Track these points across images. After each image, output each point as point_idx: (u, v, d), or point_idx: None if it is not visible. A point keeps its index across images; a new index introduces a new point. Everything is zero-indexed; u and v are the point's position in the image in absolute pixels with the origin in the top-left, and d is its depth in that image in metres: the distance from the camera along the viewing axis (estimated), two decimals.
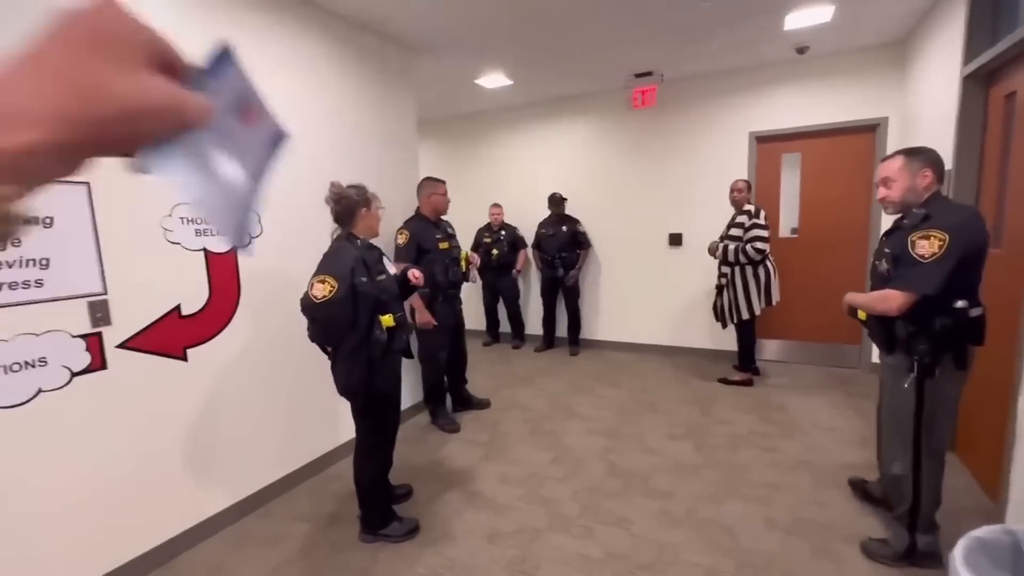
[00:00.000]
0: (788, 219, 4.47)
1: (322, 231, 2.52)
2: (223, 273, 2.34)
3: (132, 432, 2.01)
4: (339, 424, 2.93)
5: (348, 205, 2.09)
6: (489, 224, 5.35)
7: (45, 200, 1.76)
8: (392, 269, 2.27)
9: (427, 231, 3.19)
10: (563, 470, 2.79)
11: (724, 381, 4.02)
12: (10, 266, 1.69)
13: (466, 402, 3.68)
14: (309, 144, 2.78)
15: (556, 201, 5.00)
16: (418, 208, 3.30)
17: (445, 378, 3.52)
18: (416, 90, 3.66)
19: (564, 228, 4.95)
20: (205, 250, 2.27)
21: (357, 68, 3.09)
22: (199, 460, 2.24)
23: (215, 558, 2.16)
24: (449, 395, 3.62)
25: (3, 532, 1.67)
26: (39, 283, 1.76)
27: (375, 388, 2.09)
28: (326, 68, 2.88)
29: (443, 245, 3.24)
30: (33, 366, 1.75)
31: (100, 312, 1.92)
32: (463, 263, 3.34)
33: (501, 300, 5.48)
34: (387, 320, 2.06)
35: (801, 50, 3.72)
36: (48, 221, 1.78)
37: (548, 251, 5.00)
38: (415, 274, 2.31)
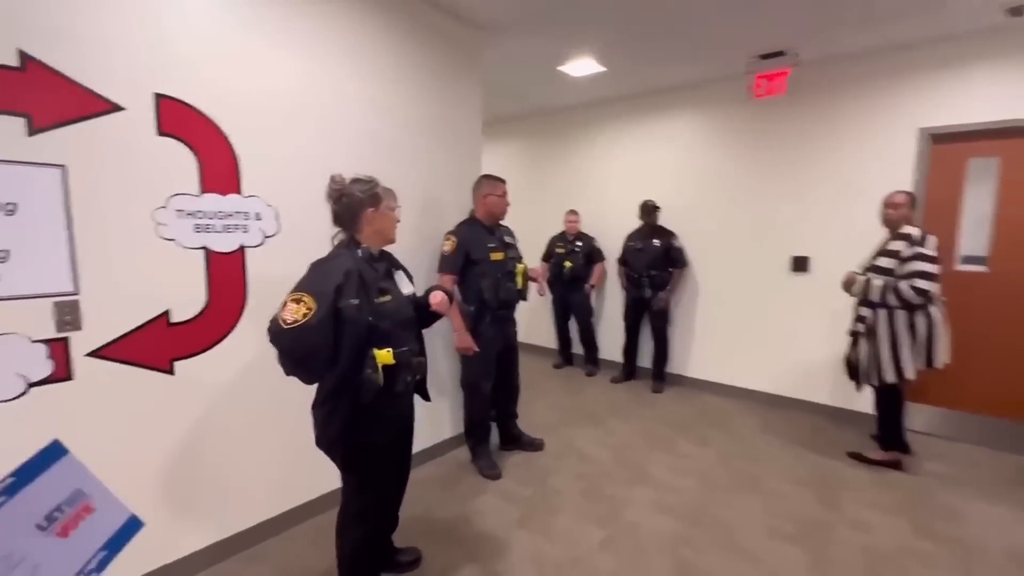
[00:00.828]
0: (970, 245, 3.31)
1: None
2: (226, 277, 2.02)
3: (96, 453, 1.74)
4: None
5: (350, 204, 1.64)
6: (563, 233, 4.75)
7: (7, 183, 1.52)
8: (407, 288, 1.79)
9: (478, 238, 2.69)
10: (616, 560, 2.12)
11: (858, 457, 3.02)
12: None
13: (515, 440, 3.13)
14: (346, 132, 2.41)
15: (648, 210, 4.25)
16: (472, 211, 2.81)
17: (491, 411, 3.01)
18: (483, 76, 3.18)
19: (656, 242, 4.19)
20: (206, 249, 1.96)
21: (415, 49, 2.68)
22: (177, 488, 1.94)
23: None
24: (497, 430, 3.09)
25: None
26: None
27: (360, 438, 1.62)
28: (378, 47, 2.50)
29: (496, 255, 2.71)
30: None
31: (69, 315, 1.66)
32: (519, 278, 2.78)
33: (572, 317, 4.85)
34: (384, 356, 1.57)
35: (1016, 10, 2.64)
36: (11, 208, 1.54)
37: (635, 267, 4.27)
38: (436, 298, 1.81)
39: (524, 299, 2.88)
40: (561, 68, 3.81)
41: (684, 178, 4.37)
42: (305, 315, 1.45)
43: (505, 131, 5.70)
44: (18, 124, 1.53)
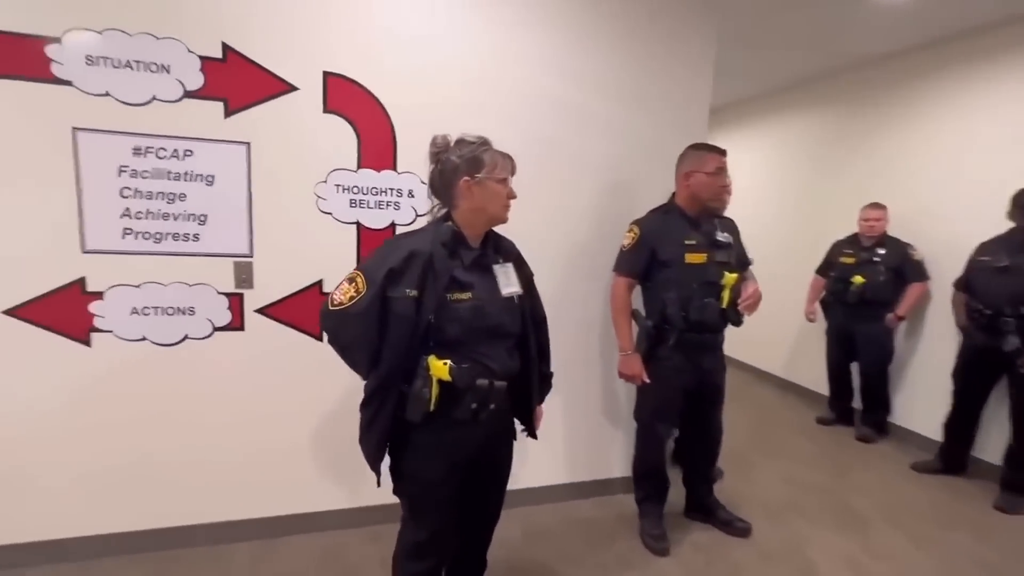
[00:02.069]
0: None
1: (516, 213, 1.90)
2: None
3: (257, 398, 1.96)
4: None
5: (443, 171, 1.32)
6: (855, 236, 3.30)
7: (211, 157, 1.80)
8: (509, 287, 1.37)
9: (672, 231, 1.99)
10: None
11: None
12: (176, 219, 1.81)
13: (707, 512, 2.29)
14: (520, 100, 2.10)
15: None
16: (673, 194, 2.11)
17: (676, 465, 2.28)
18: (735, 30, 2.35)
19: None
20: (358, 223, 1.98)
21: None
22: (322, 452, 2.05)
23: (328, 547, 1.95)
24: (687, 491, 2.34)
25: (133, 460, 1.86)
26: (196, 237, 1.83)
27: (401, 463, 1.32)
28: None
29: (695, 257, 1.96)
30: (183, 313, 1.85)
31: (244, 274, 1.89)
32: (726, 292, 1.95)
33: (857, 358, 3.37)
34: (439, 369, 1.21)
35: None
36: (210, 179, 1.82)
37: (989, 298, 2.56)
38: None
39: (734, 323, 2.02)
40: None
41: None
42: (352, 299, 1.22)
43: (772, 107, 4.40)
44: (218, 107, 1.78)
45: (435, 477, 1.30)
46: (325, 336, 1.33)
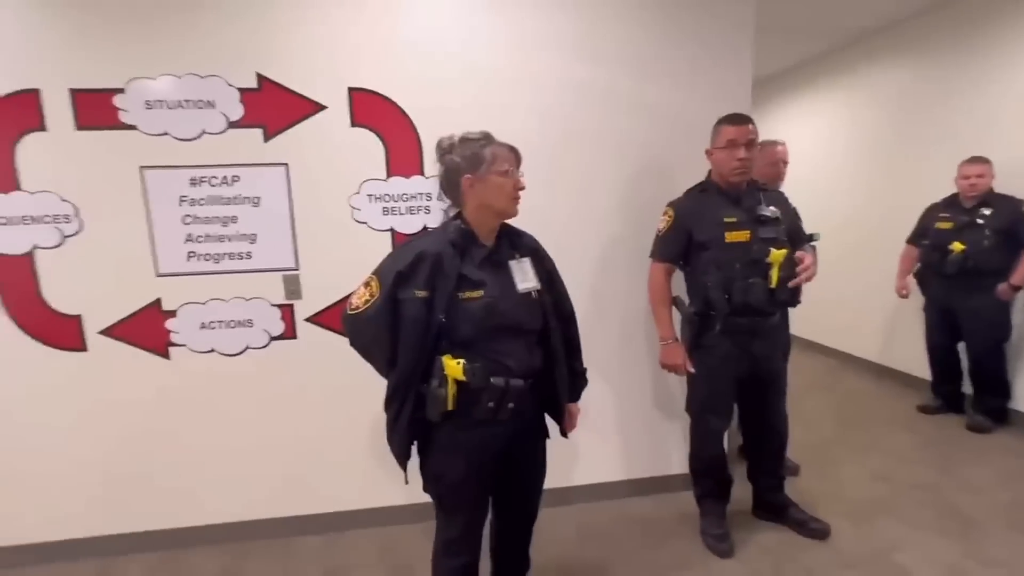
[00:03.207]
0: None
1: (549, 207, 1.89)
2: None
3: (313, 401, 2.09)
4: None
5: (448, 171, 1.33)
6: (954, 197, 2.88)
7: (255, 180, 1.95)
8: (526, 283, 1.35)
9: (710, 209, 1.85)
10: None
11: None
12: (230, 240, 1.98)
13: (777, 512, 2.10)
14: (544, 87, 2.06)
15: None
16: (709, 172, 1.97)
17: (742, 460, 2.12)
18: None
19: None
20: (392, 230, 2.05)
21: None
22: (376, 449, 2.15)
23: (386, 542, 2.06)
24: (753, 487, 2.17)
25: (211, 459, 2.06)
26: (248, 255, 1.99)
27: (426, 461, 1.34)
28: None
29: (737, 235, 1.80)
30: (243, 325, 2.03)
31: (292, 286, 2.03)
32: (774, 271, 1.78)
33: (964, 336, 2.93)
34: (453, 368, 1.22)
35: None
36: (256, 200, 1.97)
37: None
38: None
39: (787, 303, 1.84)
40: None
41: None
42: (367, 302, 1.27)
43: (839, 64, 3.94)
44: (257, 134, 1.93)
45: (458, 476, 1.31)
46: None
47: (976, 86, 3.05)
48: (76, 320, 1.92)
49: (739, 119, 1.81)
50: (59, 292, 1.91)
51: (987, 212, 2.72)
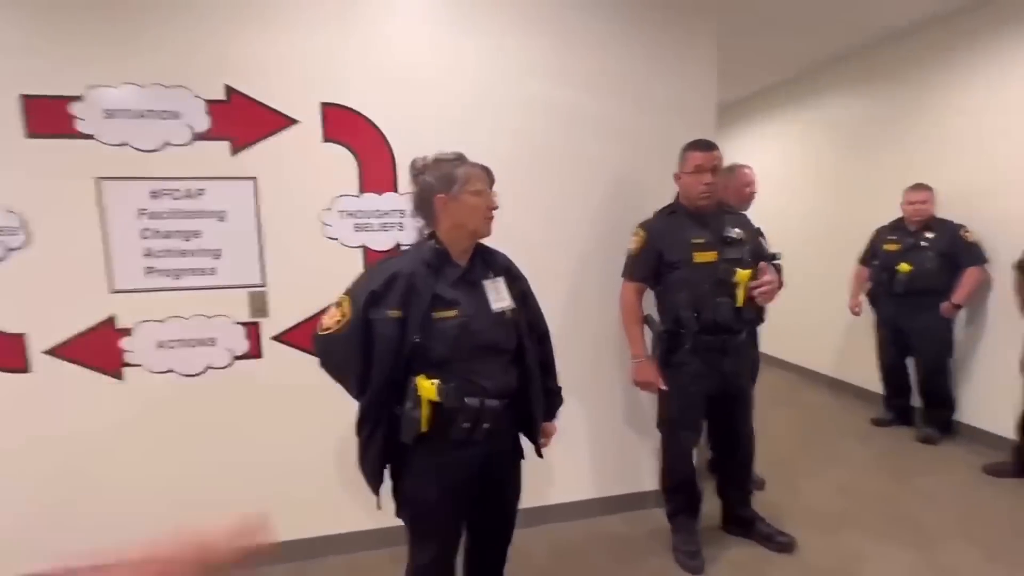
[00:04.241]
0: None
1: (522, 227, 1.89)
2: None
3: (278, 422, 2.01)
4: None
5: (421, 191, 1.33)
6: (900, 221, 3.07)
7: (223, 194, 1.89)
8: (500, 302, 1.34)
9: (679, 231, 1.91)
10: None
11: None
12: (193, 255, 1.90)
13: (744, 526, 2.14)
14: (512, 106, 2.10)
15: None
16: (677, 195, 2.03)
17: (712, 476, 2.15)
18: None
19: None
20: (364, 247, 2.02)
21: None
22: (343, 472, 2.07)
23: (355, 568, 1.97)
24: (722, 503, 2.20)
25: (169, 485, 1.94)
26: (212, 271, 1.92)
27: (399, 485, 1.31)
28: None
29: (704, 256, 1.86)
30: (204, 344, 1.94)
31: (258, 303, 1.96)
32: (740, 290, 1.85)
33: (913, 352, 3.10)
34: (427, 389, 1.20)
35: None
36: (222, 215, 1.91)
37: None
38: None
39: (752, 321, 1.91)
40: None
41: None
42: (338, 322, 1.24)
43: (796, 93, 4.20)
44: (224, 147, 1.88)
45: (433, 499, 1.28)
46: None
47: (921, 117, 3.29)
48: (20, 338, 1.80)
49: (705, 145, 1.88)
50: (1, 308, 1.78)
51: (930, 235, 2.91)
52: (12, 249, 1.76)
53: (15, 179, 1.74)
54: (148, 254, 1.86)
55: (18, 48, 1.70)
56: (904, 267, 2.93)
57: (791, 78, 4.29)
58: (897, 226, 3.08)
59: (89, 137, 1.77)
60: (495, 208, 1.34)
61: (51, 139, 1.75)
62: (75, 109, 1.75)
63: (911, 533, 2.16)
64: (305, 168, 1.94)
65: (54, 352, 1.82)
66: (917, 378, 3.13)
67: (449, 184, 1.28)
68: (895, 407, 3.30)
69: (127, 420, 1.89)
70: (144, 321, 1.88)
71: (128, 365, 1.88)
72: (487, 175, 1.33)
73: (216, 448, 1.97)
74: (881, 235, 3.15)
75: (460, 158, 1.32)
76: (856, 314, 3.32)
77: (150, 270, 1.87)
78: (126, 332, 1.87)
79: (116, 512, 1.91)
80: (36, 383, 1.82)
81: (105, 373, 1.87)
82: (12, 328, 1.79)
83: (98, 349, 1.85)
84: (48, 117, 1.73)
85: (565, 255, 2.22)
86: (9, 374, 1.80)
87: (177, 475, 1.94)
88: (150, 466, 1.92)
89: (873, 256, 3.19)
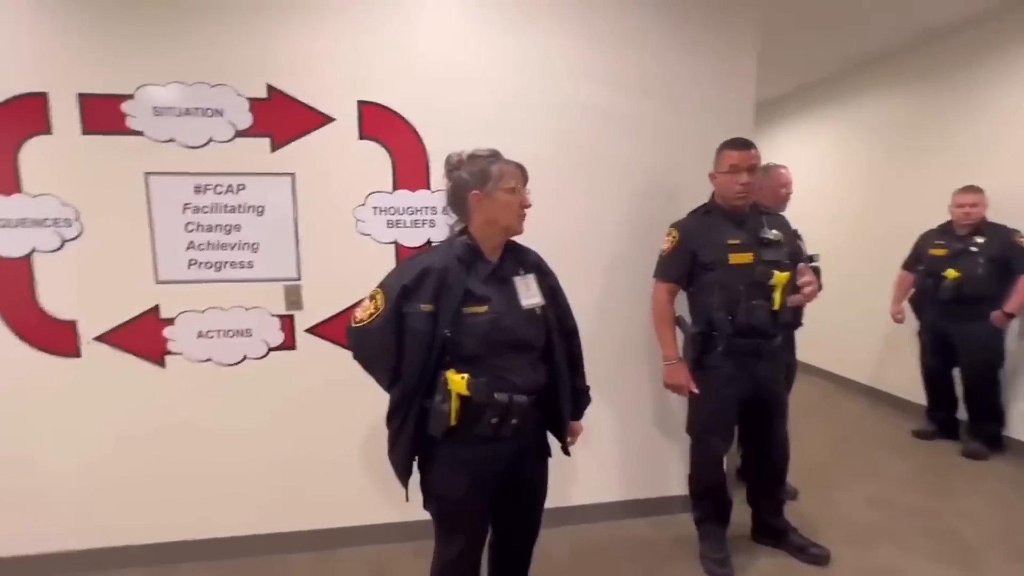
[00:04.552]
0: None
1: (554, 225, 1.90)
2: None
3: (310, 413, 2.06)
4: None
5: (455, 187, 1.34)
6: (948, 225, 2.93)
7: (260, 189, 1.95)
8: (531, 299, 1.34)
9: (714, 231, 1.87)
10: None
11: None
12: (232, 248, 1.96)
13: (776, 536, 2.08)
14: (547, 106, 2.09)
15: None
16: (712, 194, 1.99)
17: (742, 483, 2.10)
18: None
19: None
20: (396, 243, 2.05)
21: None
22: (371, 465, 2.11)
23: (378, 561, 2.01)
24: (752, 511, 2.14)
25: (204, 472, 2.01)
26: (250, 264, 1.98)
27: (427, 478, 1.32)
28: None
29: (740, 257, 1.82)
30: (242, 335, 2.00)
31: (293, 296, 2.01)
32: (776, 293, 1.80)
33: (959, 362, 2.96)
34: (457, 383, 1.21)
35: None
36: (260, 210, 1.96)
37: None
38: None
39: (789, 325, 1.85)
40: None
41: None
42: (371, 315, 1.26)
43: (836, 92, 4.05)
44: (265, 143, 1.93)
45: (459, 494, 1.29)
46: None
47: (969, 116, 3.14)
48: (71, 325, 1.89)
49: (742, 144, 1.84)
50: (55, 296, 1.87)
51: (980, 240, 2.78)
52: (67, 240, 1.85)
53: (71, 173, 1.83)
54: (191, 247, 1.93)
55: (78, 49, 1.79)
56: (951, 273, 2.80)
57: (829, 76, 4.15)
58: (945, 230, 2.94)
59: (139, 134, 1.85)
60: (528, 206, 1.34)
61: (104, 136, 1.83)
62: (126, 107, 1.83)
63: (952, 550, 2.07)
64: (341, 165, 1.98)
65: (103, 339, 1.91)
66: (963, 389, 2.99)
67: (484, 181, 1.29)
68: (938, 419, 3.15)
69: (168, 406, 1.97)
70: (186, 311, 1.95)
71: (170, 353, 1.96)
72: (521, 173, 1.33)
73: (249, 436, 2.03)
74: (927, 239, 3.01)
75: (495, 155, 1.32)
76: (899, 321, 3.19)
77: (193, 262, 1.94)
78: (169, 322, 1.94)
79: (155, 494, 2.00)
80: (86, 368, 1.91)
81: (149, 360, 1.95)
82: (65, 315, 1.88)
83: (143, 337, 1.93)
84: (102, 115, 1.82)
85: (596, 255, 2.20)
86: (62, 358, 1.89)
87: (212, 461, 2.01)
88: (187, 452, 2.00)
89: (918, 261, 3.06)
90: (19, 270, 1.84)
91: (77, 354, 1.90)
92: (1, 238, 1.82)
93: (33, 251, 1.84)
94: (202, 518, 2.03)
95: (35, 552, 1.95)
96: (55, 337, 1.88)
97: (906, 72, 3.55)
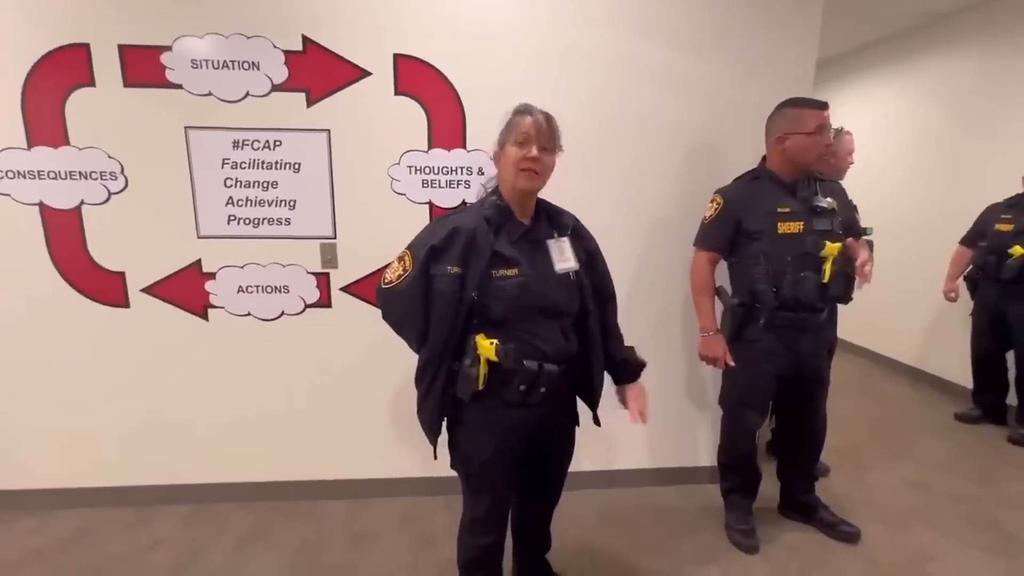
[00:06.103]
0: None
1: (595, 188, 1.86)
2: None
3: (345, 370, 2.11)
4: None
5: (497, 142, 1.30)
6: (1019, 197, 2.71)
7: (297, 145, 1.94)
8: (564, 263, 1.30)
9: (762, 198, 1.77)
10: None
11: None
12: (270, 205, 1.98)
13: (805, 512, 2.06)
14: (589, 62, 1.98)
15: None
16: (763, 158, 1.87)
17: (771, 456, 2.07)
18: None
19: None
20: (430, 203, 2.02)
21: None
22: (402, 420, 2.16)
23: (408, 512, 2.08)
24: (782, 485, 2.12)
25: (243, 419, 2.10)
26: (287, 222, 1.99)
27: (453, 439, 1.33)
28: None
29: (790, 226, 1.72)
30: (280, 291, 2.04)
31: (329, 255, 2.03)
32: (827, 264, 1.70)
33: (1014, 345, 2.80)
34: (485, 348, 1.19)
35: None
36: (297, 167, 1.96)
37: None
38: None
39: (838, 299, 1.76)
40: None
41: None
42: (400, 276, 1.25)
43: (898, 52, 3.71)
44: (300, 98, 1.90)
45: (485, 456, 1.30)
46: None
47: None
48: (120, 277, 1.96)
49: (823, 104, 1.71)
50: (104, 248, 1.94)
51: None
52: (114, 193, 1.90)
53: (115, 126, 1.86)
54: (230, 202, 1.95)
55: None
56: (1018, 250, 2.61)
57: (895, 33, 3.81)
58: (1015, 204, 2.72)
59: (178, 87, 1.84)
60: (531, 158, 1.19)
61: (145, 88, 1.83)
62: (165, 59, 1.82)
63: (991, 537, 2.00)
64: (376, 122, 1.94)
65: (149, 290, 1.98)
66: (1016, 373, 2.83)
67: (506, 135, 1.24)
68: (985, 403, 3.01)
69: (211, 357, 2.04)
70: (226, 267, 1.99)
71: (212, 307, 2.02)
72: (535, 126, 1.20)
73: (286, 389, 2.10)
74: (993, 212, 2.80)
75: (522, 108, 1.24)
76: (952, 299, 3.02)
77: (232, 218, 1.96)
78: (211, 276, 1.99)
79: (198, 441, 2.10)
80: (134, 318, 1.99)
81: (193, 313, 2.01)
82: (114, 267, 1.95)
83: (187, 290, 1.99)
84: (143, 67, 1.82)
85: (637, 220, 2.12)
86: (112, 308, 1.98)
87: (252, 410, 2.10)
88: (228, 400, 2.08)
89: (980, 236, 2.85)
90: (70, 222, 1.91)
91: (127, 304, 1.98)
92: (52, 190, 1.87)
93: (82, 203, 1.90)
94: (240, 463, 2.14)
95: (85, 485, 2.09)
96: (106, 288, 1.96)
97: (980, 31, 3.22)
